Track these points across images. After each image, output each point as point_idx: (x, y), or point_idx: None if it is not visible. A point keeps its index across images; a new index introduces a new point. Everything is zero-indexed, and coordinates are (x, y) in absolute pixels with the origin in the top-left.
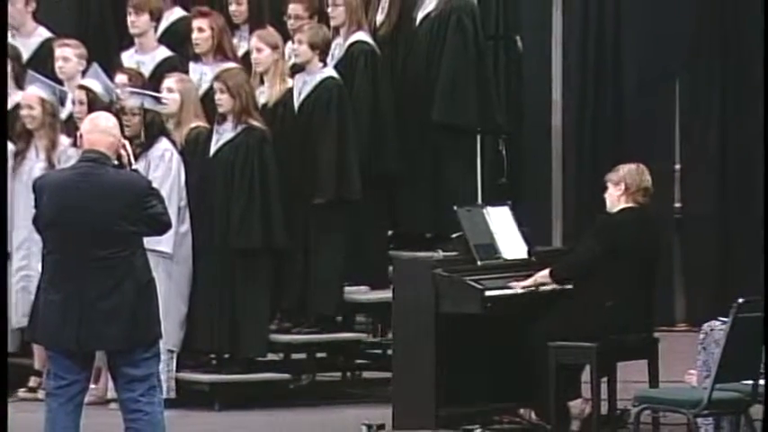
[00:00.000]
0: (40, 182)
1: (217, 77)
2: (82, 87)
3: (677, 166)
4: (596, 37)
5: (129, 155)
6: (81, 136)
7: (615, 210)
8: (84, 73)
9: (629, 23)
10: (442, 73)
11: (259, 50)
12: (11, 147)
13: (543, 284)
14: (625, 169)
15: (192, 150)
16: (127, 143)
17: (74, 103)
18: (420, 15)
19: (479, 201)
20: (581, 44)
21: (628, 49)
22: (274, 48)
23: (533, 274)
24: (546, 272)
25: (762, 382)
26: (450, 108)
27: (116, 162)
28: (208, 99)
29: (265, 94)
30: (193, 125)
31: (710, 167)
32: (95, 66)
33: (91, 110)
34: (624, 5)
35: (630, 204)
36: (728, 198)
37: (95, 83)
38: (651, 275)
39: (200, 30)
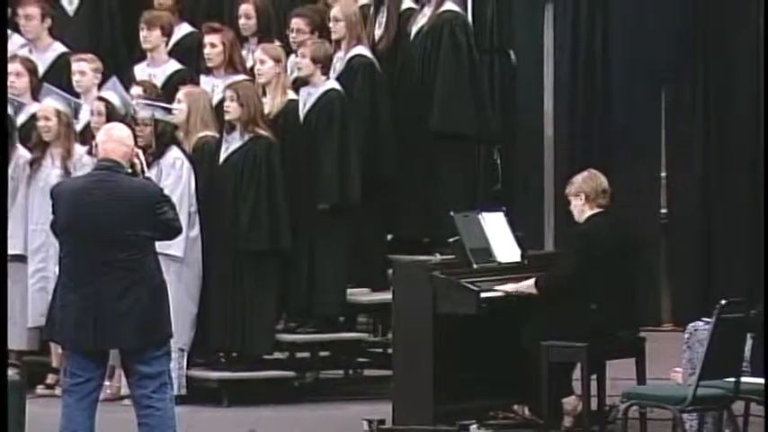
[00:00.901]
0: (57, 189)
1: (228, 86)
2: (100, 99)
3: (663, 174)
4: (586, 51)
5: (142, 163)
6: (96, 145)
7: (583, 219)
8: (100, 86)
9: (617, 38)
10: (439, 82)
11: (262, 63)
12: (27, 155)
13: (526, 293)
14: (579, 180)
15: (200, 158)
16: (140, 152)
17: (92, 113)
18: (414, 30)
19: (475, 207)
20: (571, 58)
21: (615, 64)
22: (277, 61)
23: (526, 276)
24: (531, 282)
25: (750, 379)
26: (447, 116)
27: (129, 170)
28: (220, 110)
29: (267, 105)
30: (202, 135)
31: (695, 175)
32: (114, 79)
33: (108, 120)
34: (612, 21)
35: (595, 210)
36: (712, 204)
37: (113, 95)
38: (631, 273)
39: (213, 45)
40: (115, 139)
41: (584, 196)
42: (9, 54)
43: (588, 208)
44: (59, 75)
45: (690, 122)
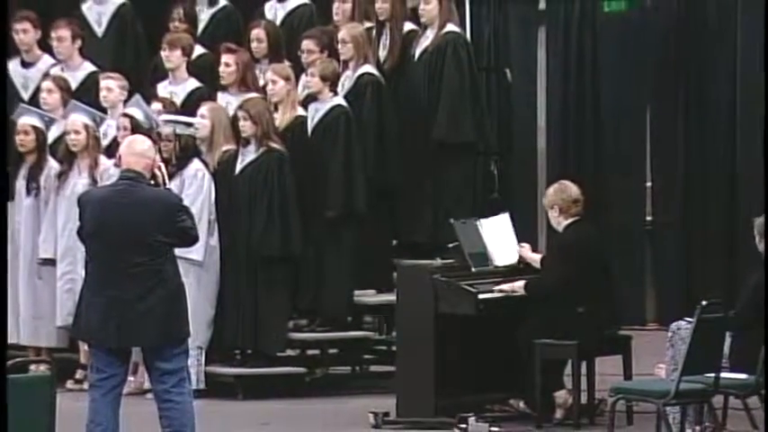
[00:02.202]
0: (84, 197)
1: (240, 106)
2: (126, 115)
3: (648, 183)
4: (576, 69)
5: (163, 175)
6: (120, 157)
7: (562, 229)
8: (125, 102)
9: (605, 57)
10: (443, 95)
11: (274, 83)
12: (57, 167)
13: (516, 292)
14: (551, 192)
15: (224, 170)
16: (162, 164)
17: (118, 129)
18: (418, 51)
19: (474, 214)
20: (563, 76)
21: (604, 81)
22: (287, 79)
23: (521, 278)
24: (522, 284)
25: (729, 375)
26: (451, 126)
27: (151, 181)
28: (234, 125)
29: (277, 120)
30: (225, 148)
31: (677, 184)
32: (137, 96)
33: (134, 134)
34: (600, 41)
35: (570, 220)
36: (694, 212)
37: (137, 111)
38: (612, 275)
39: (227, 65)
40: (137, 152)
41: (557, 208)
42: (41, 74)
43: (563, 218)
44: (89, 92)
45: (673, 135)
